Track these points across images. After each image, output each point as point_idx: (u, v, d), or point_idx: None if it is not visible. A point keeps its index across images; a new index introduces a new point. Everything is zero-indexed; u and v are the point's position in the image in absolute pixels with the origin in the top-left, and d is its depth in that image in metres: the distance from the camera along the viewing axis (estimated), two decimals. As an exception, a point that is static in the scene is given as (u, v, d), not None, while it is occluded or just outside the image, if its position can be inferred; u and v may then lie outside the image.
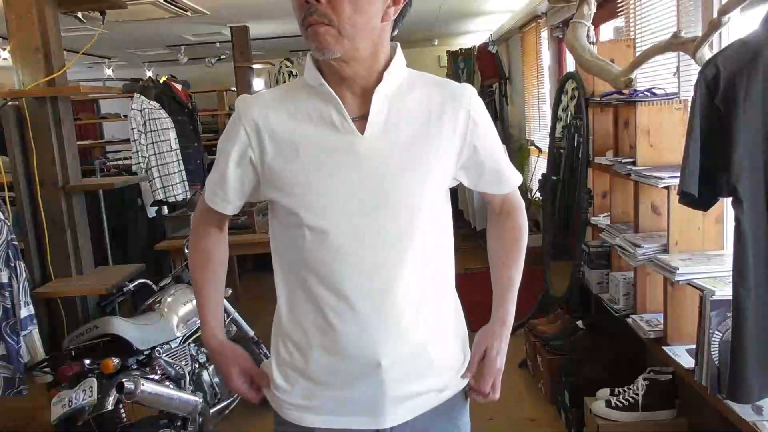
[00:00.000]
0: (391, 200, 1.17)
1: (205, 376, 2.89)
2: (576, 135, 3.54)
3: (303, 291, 1.22)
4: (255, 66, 6.89)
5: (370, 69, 1.18)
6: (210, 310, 1.36)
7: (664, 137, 2.62)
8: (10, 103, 3.01)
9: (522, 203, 1.41)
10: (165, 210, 4.69)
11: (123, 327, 2.53)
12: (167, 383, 2.61)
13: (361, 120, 1.17)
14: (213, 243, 1.37)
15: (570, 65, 4.72)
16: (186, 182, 4.63)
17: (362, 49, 1.15)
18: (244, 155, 1.22)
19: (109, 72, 8.10)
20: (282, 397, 1.27)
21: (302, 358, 1.23)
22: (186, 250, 3.18)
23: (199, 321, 2.95)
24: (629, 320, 2.65)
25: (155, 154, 4.42)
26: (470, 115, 1.23)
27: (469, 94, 1.24)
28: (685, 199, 1.78)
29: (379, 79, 1.18)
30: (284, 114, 1.20)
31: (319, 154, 1.17)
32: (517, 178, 1.35)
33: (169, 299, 2.87)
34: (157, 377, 2.58)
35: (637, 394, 2.56)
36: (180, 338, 2.79)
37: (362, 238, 1.16)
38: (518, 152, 6.47)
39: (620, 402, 2.57)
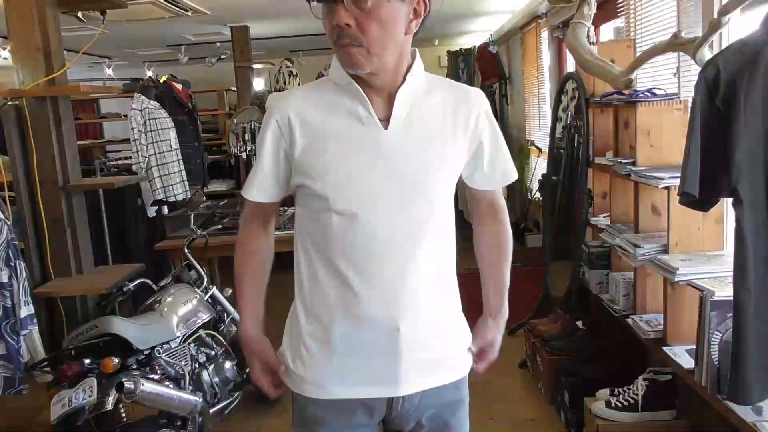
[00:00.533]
0: (411, 188, 1.30)
1: (205, 375, 2.89)
2: (576, 135, 3.54)
3: (328, 268, 1.32)
4: (255, 66, 6.89)
5: (395, 75, 1.31)
6: (246, 302, 1.46)
7: (664, 138, 2.62)
8: (10, 103, 3.01)
9: (505, 206, 1.54)
10: (165, 210, 4.69)
11: (123, 327, 2.53)
12: (167, 383, 2.61)
13: (385, 120, 1.30)
14: (257, 239, 1.47)
15: (570, 65, 4.72)
16: (186, 182, 4.62)
17: (389, 62, 1.28)
18: (278, 147, 1.34)
19: (109, 72, 8.10)
20: (303, 375, 1.36)
21: (325, 328, 1.33)
22: (186, 250, 3.18)
23: (198, 321, 2.98)
24: (629, 320, 2.65)
25: (155, 153, 4.41)
26: (480, 115, 1.37)
27: (480, 96, 1.39)
28: (686, 199, 1.78)
29: (402, 82, 1.31)
30: (314, 108, 1.32)
31: (347, 145, 1.29)
32: (512, 175, 1.47)
33: (169, 299, 2.87)
34: (156, 377, 2.58)
35: (637, 395, 2.56)
36: (180, 338, 2.79)
37: (387, 220, 1.29)
38: (518, 152, 6.46)
39: (620, 402, 2.57)
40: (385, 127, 1.29)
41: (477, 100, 1.38)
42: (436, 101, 1.34)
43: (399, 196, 1.29)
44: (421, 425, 1.39)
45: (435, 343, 1.36)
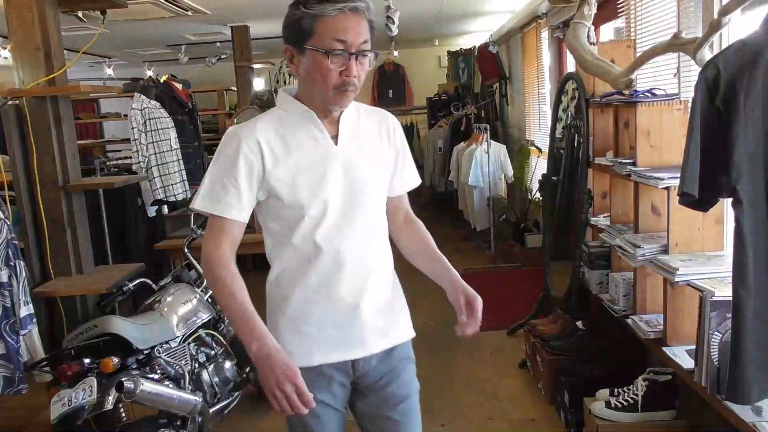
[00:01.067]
0: (361, 191, 1.61)
1: (205, 375, 2.89)
2: (576, 135, 3.54)
3: (302, 261, 1.59)
4: (255, 66, 6.89)
5: None
6: (257, 320, 1.52)
7: (664, 138, 2.62)
8: (10, 102, 3.01)
9: (414, 215, 1.83)
10: (165, 209, 4.68)
11: (123, 326, 2.53)
12: (167, 383, 2.61)
13: (333, 138, 1.60)
14: (233, 261, 1.58)
15: (570, 66, 4.72)
16: (186, 182, 4.61)
17: None
18: (251, 169, 1.54)
19: (109, 71, 8.10)
20: (292, 351, 1.56)
21: (305, 308, 1.61)
22: (186, 250, 3.18)
23: (198, 320, 2.96)
24: (629, 321, 2.65)
25: (155, 153, 4.41)
26: (396, 129, 1.72)
27: (391, 116, 1.74)
28: (685, 199, 1.78)
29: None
30: (276, 132, 1.58)
31: (310, 160, 1.57)
32: (417, 180, 1.81)
33: (168, 299, 2.87)
34: (156, 377, 2.58)
35: (637, 395, 2.56)
36: (180, 338, 2.79)
37: (348, 218, 1.59)
38: (518, 152, 6.46)
39: (620, 402, 2.57)
40: (335, 144, 1.59)
41: (391, 118, 1.73)
42: (365, 123, 1.67)
43: (353, 199, 1.59)
44: (380, 377, 1.68)
45: (387, 315, 1.67)
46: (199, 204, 1.57)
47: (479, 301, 1.63)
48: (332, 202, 1.57)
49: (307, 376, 1.54)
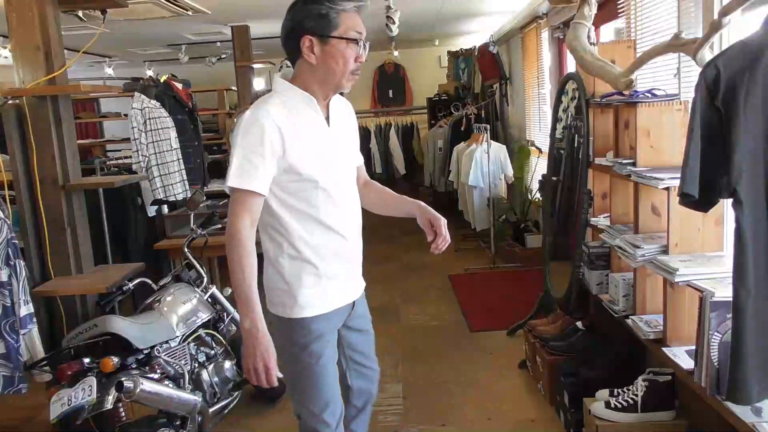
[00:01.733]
0: (349, 165, 1.98)
1: (205, 375, 2.89)
2: (576, 136, 3.54)
3: (316, 228, 1.87)
4: (255, 65, 6.89)
5: None
6: (257, 304, 1.75)
7: (664, 138, 2.62)
8: (10, 102, 3.01)
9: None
10: (165, 209, 4.69)
11: (122, 326, 2.53)
12: (166, 382, 2.61)
13: (326, 120, 1.89)
14: (252, 239, 1.78)
15: (570, 66, 4.72)
16: (186, 181, 4.61)
17: None
18: (274, 148, 1.77)
19: (109, 71, 8.10)
20: (315, 302, 1.89)
21: (325, 268, 1.90)
22: (186, 249, 3.18)
23: (198, 320, 2.96)
24: (629, 321, 2.65)
25: (155, 153, 4.41)
26: (353, 113, 2.07)
27: (348, 101, 2.06)
28: (685, 200, 1.78)
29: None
30: (287, 116, 1.80)
31: (314, 139, 1.84)
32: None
33: (168, 298, 2.87)
34: (156, 376, 2.58)
35: (637, 395, 2.56)
36: (179, 337, 2.79)
37: (345, 192, 1.93)
38: (518, 152, 6.46)
39: (619, 403, 2.57)
40: (328, 125, 1.88)
41: (348, 103, 2.05)
42: (340, 106, 1.97)
43: (346, 172, 1.94)
44: (358, 311, 2.07)
45: (361, 264, 2.07)
46: (231, 182, 1.75)
47: (442, 221, 1.93)
48: (335, 176, 1.87)
49: (325, 322, 1.92)
